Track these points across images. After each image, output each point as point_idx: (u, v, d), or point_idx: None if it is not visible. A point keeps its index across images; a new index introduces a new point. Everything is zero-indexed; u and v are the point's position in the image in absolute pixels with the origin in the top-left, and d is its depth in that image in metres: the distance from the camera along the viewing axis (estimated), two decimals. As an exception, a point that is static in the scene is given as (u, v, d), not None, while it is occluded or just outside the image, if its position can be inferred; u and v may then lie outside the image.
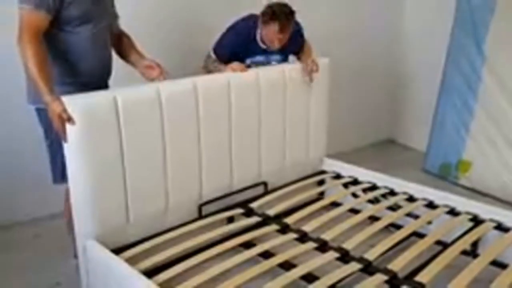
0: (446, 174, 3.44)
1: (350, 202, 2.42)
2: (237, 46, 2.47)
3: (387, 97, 4.12)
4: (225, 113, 2.26)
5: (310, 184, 2.63)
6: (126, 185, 1.96)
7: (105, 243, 1.89)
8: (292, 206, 2.38)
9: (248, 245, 2.08)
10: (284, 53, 2.61)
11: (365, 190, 2.53)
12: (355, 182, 2.63)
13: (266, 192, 2.48)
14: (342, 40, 3.64)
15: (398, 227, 2.25)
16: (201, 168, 2.21)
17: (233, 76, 2.30)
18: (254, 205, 2.33)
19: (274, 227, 2.16)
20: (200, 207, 2.25)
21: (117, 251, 1.90)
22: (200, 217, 2.23)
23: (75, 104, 1.81)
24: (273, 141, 2.52)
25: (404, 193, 2.47)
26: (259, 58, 2.54)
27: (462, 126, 3.34)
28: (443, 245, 2.03)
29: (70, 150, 1.85)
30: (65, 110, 1.78)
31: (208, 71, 2.51)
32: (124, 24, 2.27)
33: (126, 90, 1.99)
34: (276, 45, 2.43)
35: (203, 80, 2.20)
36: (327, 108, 2.79)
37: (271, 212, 2.28)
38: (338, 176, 2.71)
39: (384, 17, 3.89)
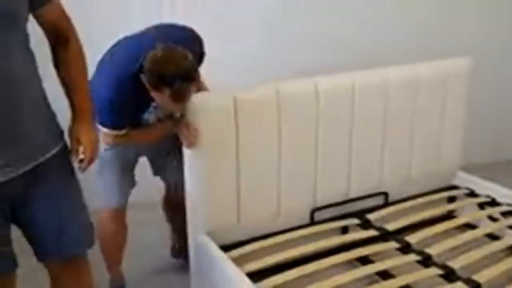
0: None
1: (487, 226, 2.10)
2: (130, 106, 1.73)
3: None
4: (348, 115, 2.09)
5: (438, 200, 2.34)
6: (239, 185, 1.91)
7: (215, 240, 1.86)
8: (416, 223, 2.13)
9: (362, 260, 1.92)
10: None
11: (504, 214, 2.18)
12: (493, 203, 2.28)
13: (387, 204, 2.27)
14: (494, 38, 3.21)
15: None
16: (317, 172, 2.08)
17: (358, 75, 2.12)
18: (371, 216, 2.14)
19: (393, 244, 1.95)
20: (312, 212, 2.13)
21: (226, 248, 1.88)
22: (312, 223, 2.11)
23: (195, 103, 1.78)
24: (398, 148, 2.28)
25: (556, 222, 2.07)
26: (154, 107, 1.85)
27: None
28: None
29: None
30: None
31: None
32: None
33: (245, 90, 1.93)
34: (174, 111, 1.80)
35: (326, 80, 2.05)
36: (466, 115, 2.45)
37: (391, 226, 2.07)
38: (472, 194, 2.38)
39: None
